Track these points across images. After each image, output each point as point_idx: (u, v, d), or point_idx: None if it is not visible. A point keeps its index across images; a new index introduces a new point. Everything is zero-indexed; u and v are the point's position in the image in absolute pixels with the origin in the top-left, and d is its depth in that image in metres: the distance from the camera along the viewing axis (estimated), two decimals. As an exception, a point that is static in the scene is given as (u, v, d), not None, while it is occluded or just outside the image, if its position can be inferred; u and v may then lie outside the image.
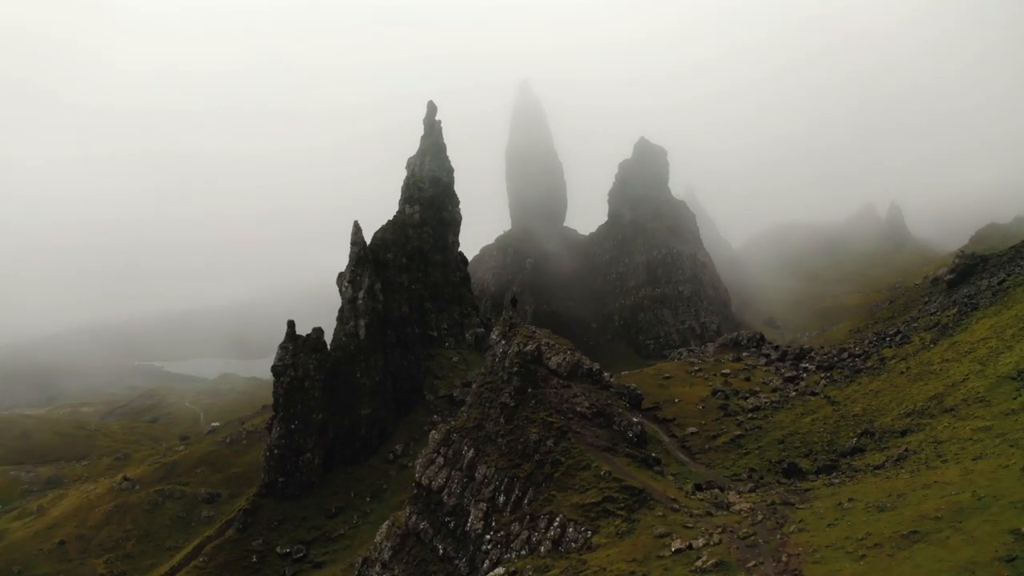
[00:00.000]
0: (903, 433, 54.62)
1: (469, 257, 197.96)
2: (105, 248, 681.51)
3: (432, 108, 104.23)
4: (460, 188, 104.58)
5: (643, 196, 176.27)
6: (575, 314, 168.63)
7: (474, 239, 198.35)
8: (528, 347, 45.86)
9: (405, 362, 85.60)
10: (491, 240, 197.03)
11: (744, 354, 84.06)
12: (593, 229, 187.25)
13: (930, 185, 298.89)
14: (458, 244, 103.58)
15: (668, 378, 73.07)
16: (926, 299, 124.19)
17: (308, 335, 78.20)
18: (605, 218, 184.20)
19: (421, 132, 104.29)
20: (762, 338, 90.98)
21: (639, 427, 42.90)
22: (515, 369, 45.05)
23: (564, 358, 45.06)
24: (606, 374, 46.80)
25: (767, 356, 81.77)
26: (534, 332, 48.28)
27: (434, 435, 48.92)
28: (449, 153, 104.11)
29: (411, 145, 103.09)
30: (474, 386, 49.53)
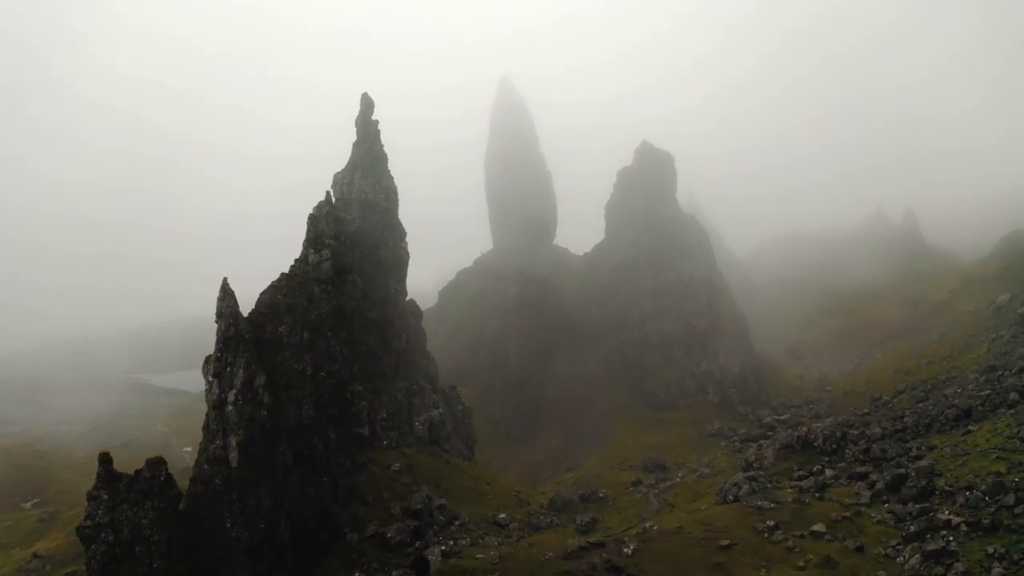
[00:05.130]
0: None
1: (443, 284, 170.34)
2: (97, 250, 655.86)
3: (367, 103, 74.12)
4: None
5: (647, 209, 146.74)
6: (568, 354, 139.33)
7: (452, 263, 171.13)
8: None
9: (311, 488, 55.88)
10: (470, 263, 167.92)
11: (825, 470, 55.22)
12: (588, 249, 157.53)
13: (943, 188, 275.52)
14: (405, 293, 73.99)
15: (727, 547, 43.91)
16: (994, 336, 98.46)
17: (138, 472, 48.04)
18: (602, 236, 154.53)
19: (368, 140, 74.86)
20: (843, 437, 61.81)
21: None
22: None
23: None
24: None
25: (863, 478, 53.03)
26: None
27: None
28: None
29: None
30: None
